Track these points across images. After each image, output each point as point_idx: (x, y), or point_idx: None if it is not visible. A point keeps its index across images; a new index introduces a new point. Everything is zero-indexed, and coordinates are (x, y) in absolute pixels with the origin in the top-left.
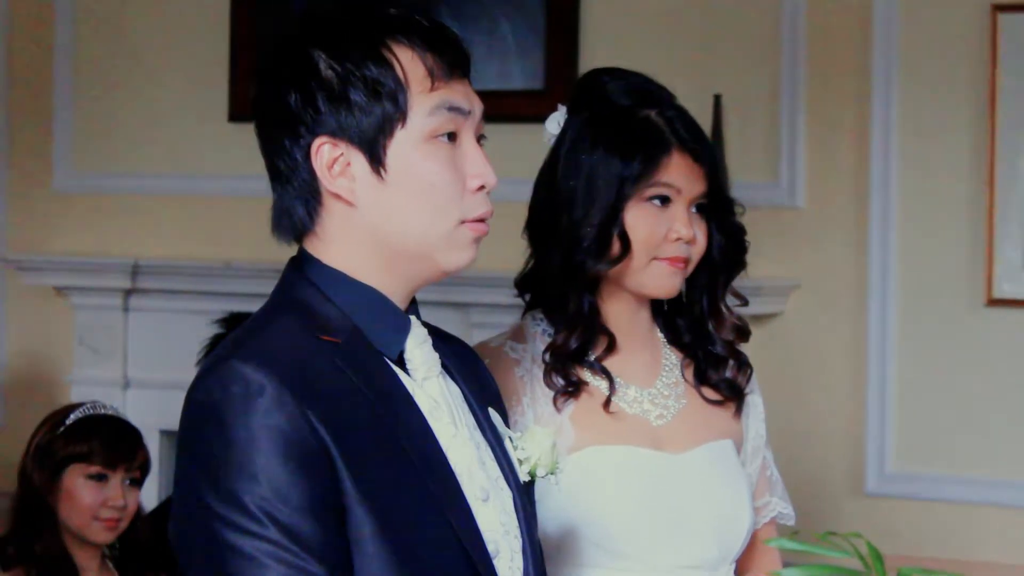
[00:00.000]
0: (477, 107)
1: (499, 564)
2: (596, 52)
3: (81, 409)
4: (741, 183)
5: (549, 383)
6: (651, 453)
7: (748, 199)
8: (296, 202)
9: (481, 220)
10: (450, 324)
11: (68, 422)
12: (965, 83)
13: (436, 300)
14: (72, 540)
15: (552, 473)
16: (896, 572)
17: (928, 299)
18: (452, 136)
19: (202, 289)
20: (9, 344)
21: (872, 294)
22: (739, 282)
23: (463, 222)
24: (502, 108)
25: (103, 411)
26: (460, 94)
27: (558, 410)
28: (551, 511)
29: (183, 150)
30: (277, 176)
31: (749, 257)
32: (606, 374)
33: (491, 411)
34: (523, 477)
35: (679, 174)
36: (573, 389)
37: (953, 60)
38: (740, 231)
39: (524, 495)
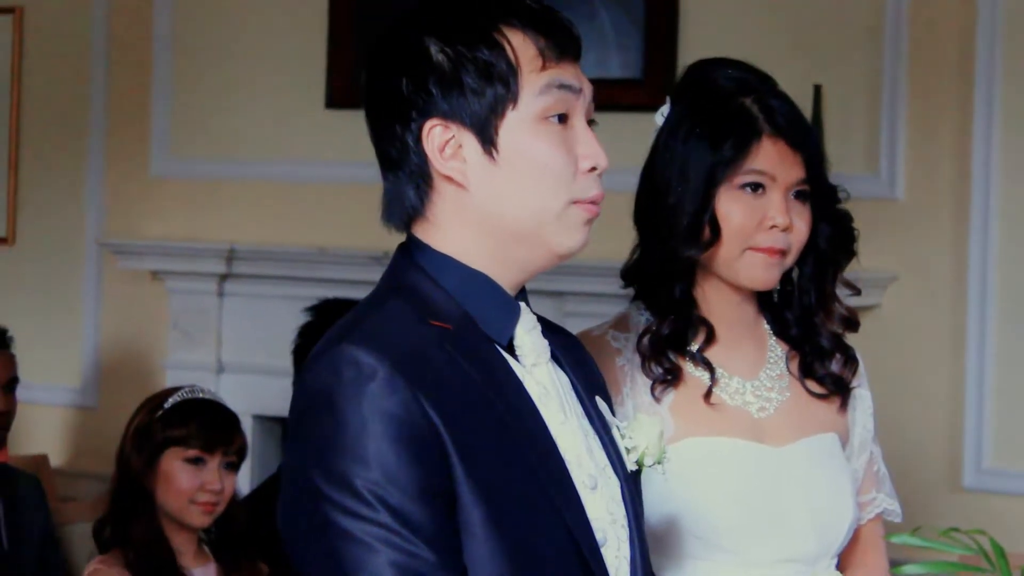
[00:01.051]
0: (587, 88)
1: (606, 553)
2: (695, 42)
3: (179, 393)
4: (840, 174)
5: (647, 372)
6: (751, 445)
7: (848, 190)
8: (407, 187)
9: (593, 202)
10: (545, 311)
11: (167, 406)
12: None
13: (530, 288)
14: (169, 523)
15: (659, 462)
16: (1021, 570)
17: None
18: (563, 119)
19: (296, 275)
20: (105, 328)
21: (972, 288)
22: None
23: (574, 203)
24: (600, 97)
25: (201, 395)
26: (571, 74)
27: (657, 400)
28: (651, 501)
29: (279, 137)
30: (388, 163)
31: None
32: (707, 365)
33: (599, 400)
34: (630, 466)
35: (772, 160)
36: (671, 378)
37: None
38: (846, 218)
39: (631, 484)
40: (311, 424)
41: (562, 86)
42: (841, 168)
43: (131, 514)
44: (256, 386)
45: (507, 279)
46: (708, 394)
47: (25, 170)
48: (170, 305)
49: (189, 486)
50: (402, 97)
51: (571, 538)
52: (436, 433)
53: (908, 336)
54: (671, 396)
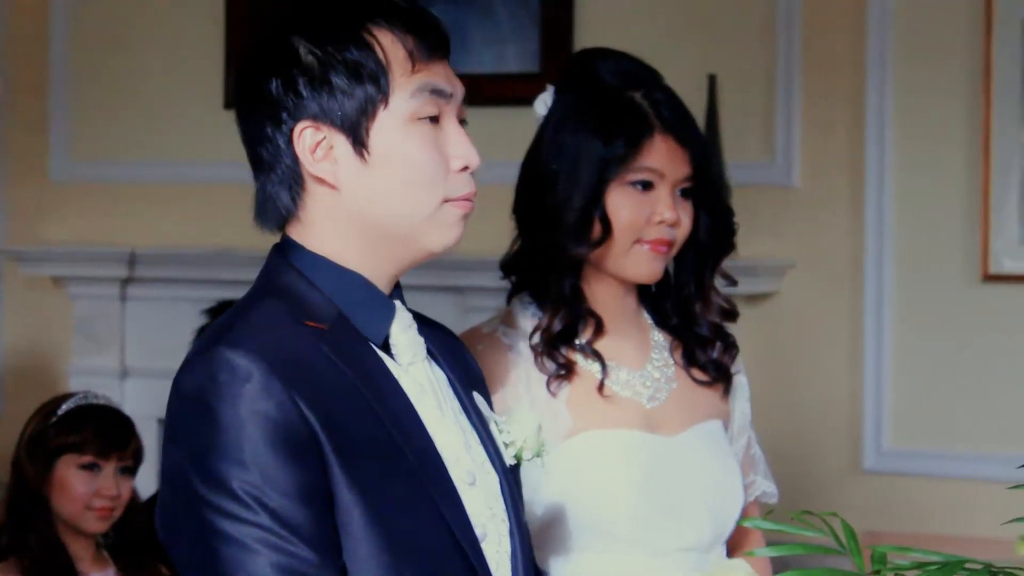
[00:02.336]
0: (459, 90)
1: (486, 547)
2: (591, 33)
3: (73, 399)
4: (737, 163)
5: (541, 367)
6: (646, 436)
7: (744, 179)
8: (279, 188)
9: (466, 199)
10: (447, 308)
11: (60, 412)
12: (960, 58)
13: (433, 284)
14: (65, 530)
15: (538, 455)
16: (872, 551)
17: (924, 276)
18: (434, 119)
19: (199, 277)
20: (8, 335)
21: (868, 272)
22: (734, 262)
23: (447, 201)
24: (498, 91)
25: (95, 401)
26: (441, 76)
27: (553, 394)
28: (547, 495)
29: (178, 138)
30: (260, 164)
31: (744, 236)
32: (597, 356)
33: (475, 395)
34: (509, 460)
35: (662, 158)
36: (565, 372)
37: (948, 35)
38: (728, 213)
39: (510, 478)
40: (187, 428)
41: (434, 90)
42: (738, 156)
43: (27, 521)
44: (161, 390)
45: (381, 276)
46: (601, 386)
47: None
48: (73, 311)
49: (84, 492)
50: (272, 98)
51: (451, 534)
52: (313, 434)
53: (807, 322)
54: (566, 390)
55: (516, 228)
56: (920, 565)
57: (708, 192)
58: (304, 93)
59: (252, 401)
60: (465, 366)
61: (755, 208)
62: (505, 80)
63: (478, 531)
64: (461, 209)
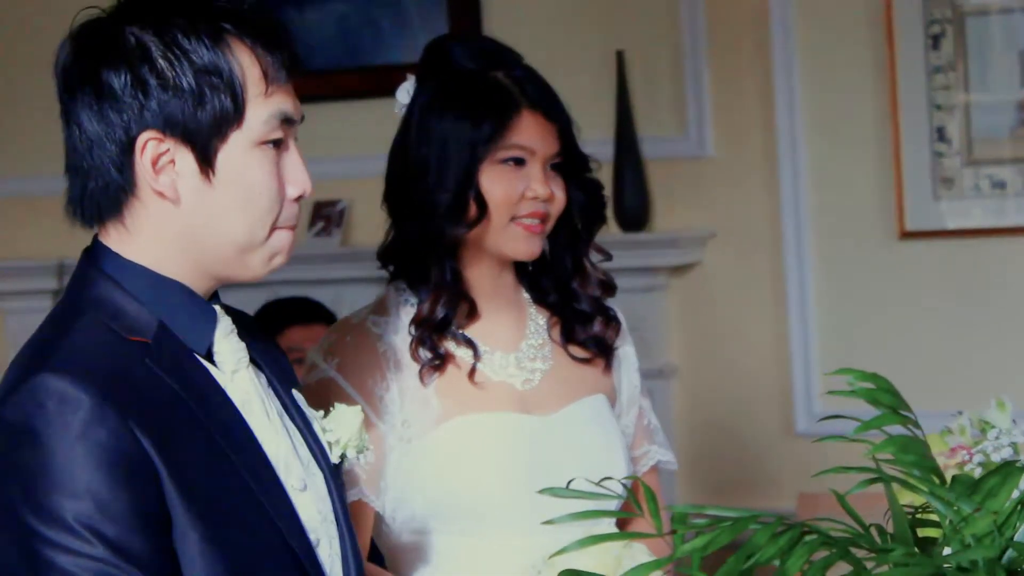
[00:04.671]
0: (299, 114)
1: (320, 553)
2: (499, 18)
3: None
4: (650, 137)
5: (416, 357)
6: (519, 417)
7: (659, 152)
8: (104, 192)
9: (292, 227)
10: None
11: None
12: (863, 15)
13: (369, 277)
14: None
15: (361, 452)
16: (669, 509)
17: (842, 237)
18: (278, 143)
19: None
20: None
21: (787, 236)
22: (655, 234)
23: (276, 229)
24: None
25: None
26: (291, 103)
27: (424, 383)
28: (421, 483)
29: None
30: (80, 159)
31: (664, 209)
32: (470, 343)
33: (296, 393)
34: (334, 459)
35: (531, 134)
36: (439, 362)
37: None
38: (597, 187)
39: (336, 476)
40: (15, 460)
41: (285, 119)
42: (651, 130)
43: None
44: None
45: (201, 288)
46: (472, 372)
47: None
48: (6, 325)
49: None
50: (114, 94)
51: (287, 546)
52: (147, 458)
53: (730, 290)
54: (437, 378)
55: (389, 217)
56: (716, 521)
57: (576, 166)
58: (154, 96)
59: (84, 429)
60: (280, 364)
61: (672, 181)
62: (413, 70)
63: (312, 537)
64: (289, 236)
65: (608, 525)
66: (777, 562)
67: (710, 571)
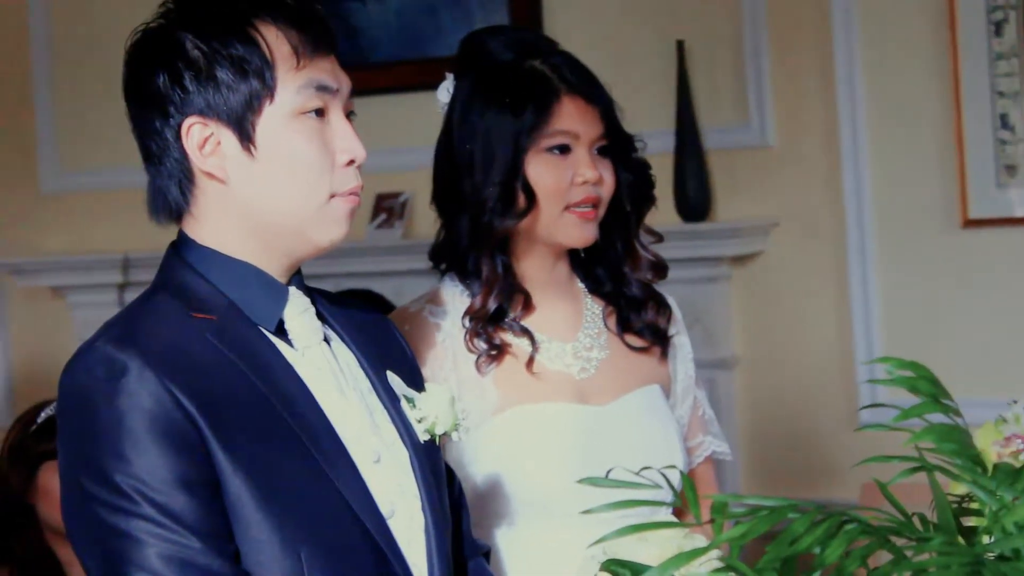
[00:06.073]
0: (345, 85)
1: (395, 524)
2: (560, 9)
3: (52, 406)
4: (712, 127)
5: (471, 348)
6: (575, 407)
7: (720, 142)
8: (170, 183)
9: (353, 193)
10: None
11: (39, 420)
12: (926, 4)
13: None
14: (54, 537)
15: (454, 430)
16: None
17: (905, 225)
18: (320, 112)
19: None
20: (14, 347)
21: (850, 226)
22: (717, 224)
23: (334, 196)
24: None
25: None
26: (327, 72)
27: (481, 373)
28: (482, 469)
29: None
30: (150, 157)
31: (726, 199)
32: (527, 333)
33: (389, 374)
34: (422, 437)
35: (573, 119)
36: (496, 353)
37: None
38: (644, 167)
39: (423, 454)
40: (72, 424)
41: (319, 87)
42: (713, 121)
43: (13, 530)
44: None
45: (275, 267)
46: (530, 362)
47: None
48: (73, 319)
49: None
50: (160, 93)
51: (352, 512)
52: (192, 421)
53: (792, 280)
54: (493, 367)
55: (439, 216)
56: (754, 510)
57: (622, 147)
58: (190, 88)
59: (128, 395)
60: (383, 347)
61: (734, 170)
62: None
63: (385, 508)
64: (348, 204)
65: (666, 515)
66: (818, 550)
67: (753, 563)
